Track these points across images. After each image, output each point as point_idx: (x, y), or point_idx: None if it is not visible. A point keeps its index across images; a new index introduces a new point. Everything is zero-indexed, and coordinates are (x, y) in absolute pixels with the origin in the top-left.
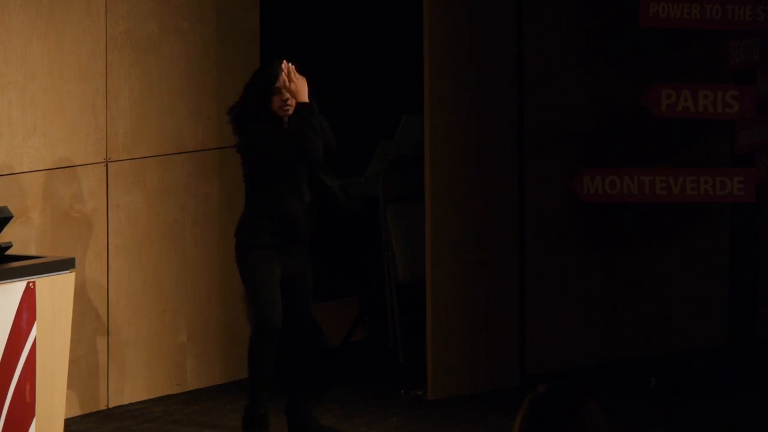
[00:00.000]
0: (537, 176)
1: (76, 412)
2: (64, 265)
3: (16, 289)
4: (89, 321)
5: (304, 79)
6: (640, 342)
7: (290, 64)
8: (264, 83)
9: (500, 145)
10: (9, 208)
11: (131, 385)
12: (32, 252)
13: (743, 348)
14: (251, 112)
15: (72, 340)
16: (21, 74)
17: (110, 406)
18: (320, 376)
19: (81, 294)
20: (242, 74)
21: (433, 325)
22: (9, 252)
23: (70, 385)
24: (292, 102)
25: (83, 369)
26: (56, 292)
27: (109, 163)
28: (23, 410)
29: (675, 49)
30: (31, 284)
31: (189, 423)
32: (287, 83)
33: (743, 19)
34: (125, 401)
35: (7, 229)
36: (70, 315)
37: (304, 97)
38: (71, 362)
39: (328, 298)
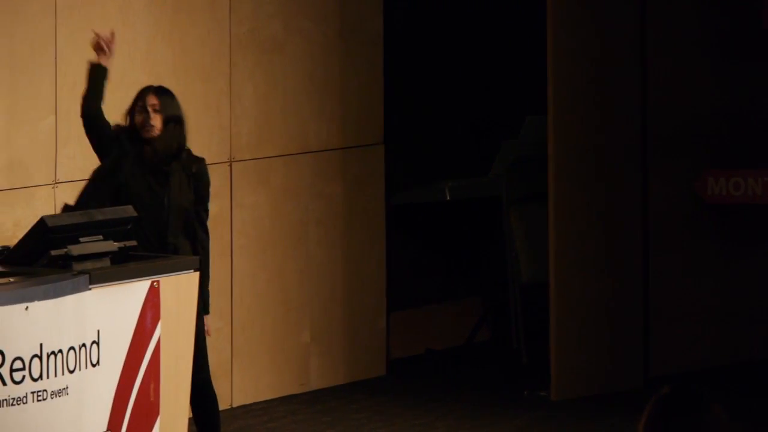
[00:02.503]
0: (660, 177)
1: None
2: (189, 264)
3: (140, 288)
4: (213, 320)
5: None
6: (766, 342)
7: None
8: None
9: (623, 145)
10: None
11: (255, 385)
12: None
13: None
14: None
15: None
16: (145, 74)
17: (234, 405)
18: None
19: None
20: (366, 75)
21: (556, 326)
22: (133, 252)
23: None
24: (154, 122)
25: None
26: (180, 292)
27: (233, 163)
28: (147, 409)
29: None
30: (155, 283)
31: (312, 422)
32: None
33: None
34: (249, 400)
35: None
36: (194, 314)
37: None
38: None
39: (452, 299)
